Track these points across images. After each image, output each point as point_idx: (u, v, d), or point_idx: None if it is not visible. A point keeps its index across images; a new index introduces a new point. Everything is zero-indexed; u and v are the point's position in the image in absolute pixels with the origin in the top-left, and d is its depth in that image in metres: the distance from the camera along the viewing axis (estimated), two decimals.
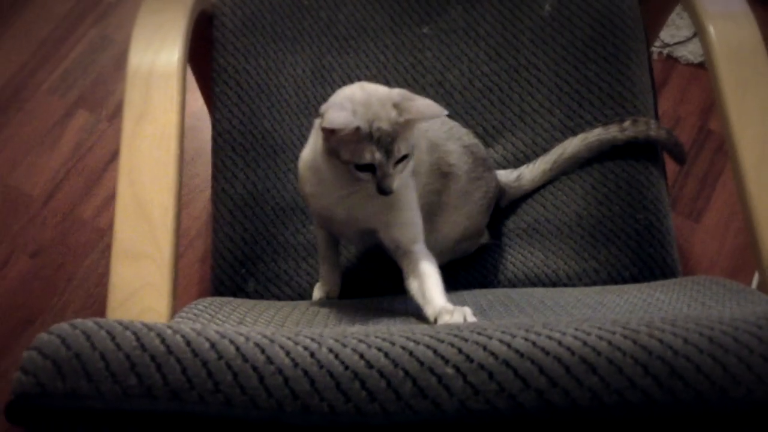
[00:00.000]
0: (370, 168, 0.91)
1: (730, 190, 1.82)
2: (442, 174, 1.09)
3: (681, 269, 1.21)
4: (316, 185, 1.01)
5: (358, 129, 0.88)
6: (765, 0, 1.91)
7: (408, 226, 1.01)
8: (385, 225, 1.01)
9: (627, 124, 1.22)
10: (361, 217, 1.01)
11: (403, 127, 0.89)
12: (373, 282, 1.21)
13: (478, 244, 1.22)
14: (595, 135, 1.23)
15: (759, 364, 0.54)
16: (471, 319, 0.90)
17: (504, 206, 1.26)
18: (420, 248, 1.01)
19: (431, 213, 1.10)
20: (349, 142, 0.89)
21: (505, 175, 1.24)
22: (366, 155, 0.89)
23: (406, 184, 0.98)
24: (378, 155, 0.89)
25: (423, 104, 0.90)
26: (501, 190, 1.22)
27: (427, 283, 0.97)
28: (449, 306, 0.92)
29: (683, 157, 1.25)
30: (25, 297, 1.75)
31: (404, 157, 0.91)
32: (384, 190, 0.91)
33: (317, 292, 1.16)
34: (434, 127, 1.10)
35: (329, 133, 0.89)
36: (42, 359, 0.56)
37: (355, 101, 0.90)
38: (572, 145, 1.24)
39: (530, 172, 1.25)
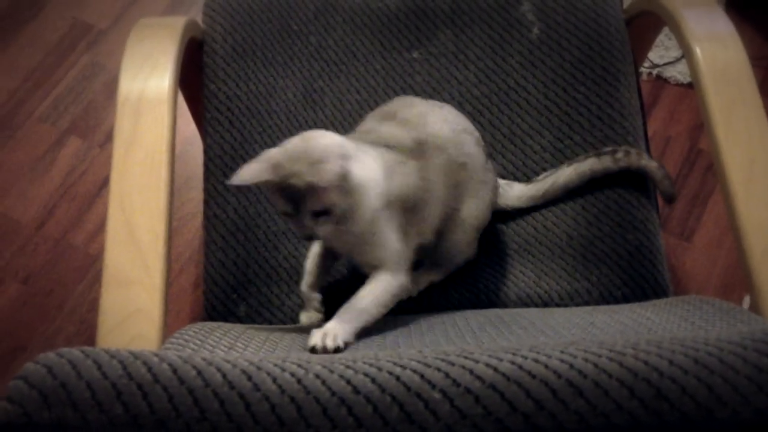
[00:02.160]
0: (291, 216, 0.96)
1: (720, 209, 1.83)
2: (460, 165, 1.10)
3: (672, 289, 1.21)
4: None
5: (268, 182, 0.93)
6: (751, 20, 1.93)
7: (374, 256, 1.04)
8: (355, 255, 1.06)
9: (620, 155, 1.23)
10: (336, 247, 1.08)
11: (312, 187, 0.91)
12: None
13: (473, 252, 1.22)
14: (587, 165, 1.23)
15: (744, 385, 0.54)
16: (331, 343, 0.93)
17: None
18: (379, 272, 1.04)
19: (454, 207, 1.12)
20: (270, 191, 0.95)
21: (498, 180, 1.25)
22: (279, 204, 0.95)
23: (370, 221, 1.00)
24: (287, 208, 0.94)
25: (324, 169, 0.91)
26: None
27: (351, 300, 1.01)
28: (320, 329, 0.95)
29: (672, 194, 1.25)
30: (16, 324, 1.74)
31: (325, 211, 0.94)
32: (302, 237, 0.97)
33: (303, 318, 1.17)
34: (450, 119, 1.13)
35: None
36: (28, 388, 0.56)
37: (286, 153, 0.94)
38: (564, 175, 1.24)
39: (518, 190, 1.26)
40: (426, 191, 1.07)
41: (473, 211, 1.14)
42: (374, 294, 1.02)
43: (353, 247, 1.04)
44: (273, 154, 0.94)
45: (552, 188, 1.25)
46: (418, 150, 1.07)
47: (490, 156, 1.29)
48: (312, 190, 0.91)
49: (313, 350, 0.92)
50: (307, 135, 0.98)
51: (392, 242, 1.04)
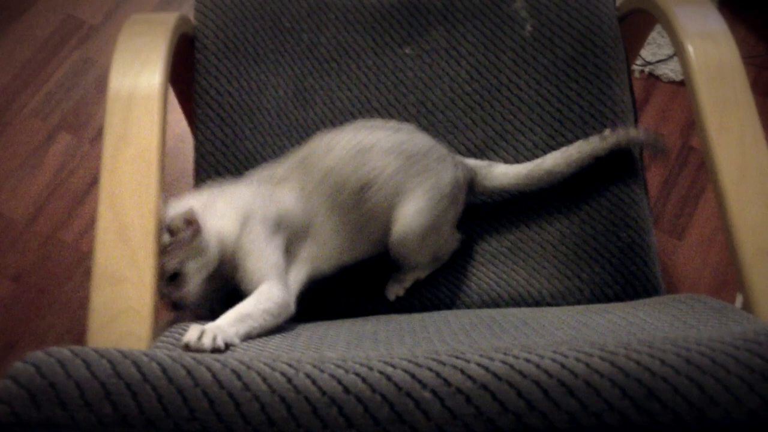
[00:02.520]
0: None
1: (712, 207, 1.83)
2: (356, 190, 1.12)
3: (664, 286, 1.21)
4: None
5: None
6: (744, 19, 1.93)
7: (252, 275, 1.06)
8: (240, 281, 1.08)
9: (607, 132, 1.23)
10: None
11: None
12: (358, 303, 1.21)
13: (455, 244, 1.22)
14: (575, 148, 1.23)
15: (736, 385, 0.54)
16: (208, 341, 0.90)
17: (477, 200, 1.26)
18: (263, 285, 1.05)
19: (365, 226, 1.14)
20: None
21: (475, 161, 1.25)
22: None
23: (245, 235, 1.07)
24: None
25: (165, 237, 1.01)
26: (471, 179, 1.22)
27: (238, 305, 1.01)
28: (199, 326, 0.93)
29: (663, 148, 1.26)
30: (6, 321, 1.73)
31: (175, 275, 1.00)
32: (172, 307, 1.03)
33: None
34: (338, 154, 1.13)
35: None
36: (17, 388, 0.56)
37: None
38: (552, 158, 1.23)
39: (505, 167, 1.25)
40: (310, 216, 1.12)
41: (410, 220, 1.13)
42: (258, 300, 1.02)
43: (238, 275, 1.07)
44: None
45: (537, 170, 1.23)
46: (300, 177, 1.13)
47: (481, 153, 1.29)
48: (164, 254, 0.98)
49: (186, 347, 0.88)
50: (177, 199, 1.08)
51: (267, 256, 1.07)
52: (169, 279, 0.99)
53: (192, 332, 0.89)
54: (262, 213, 1.08)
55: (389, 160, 1.13)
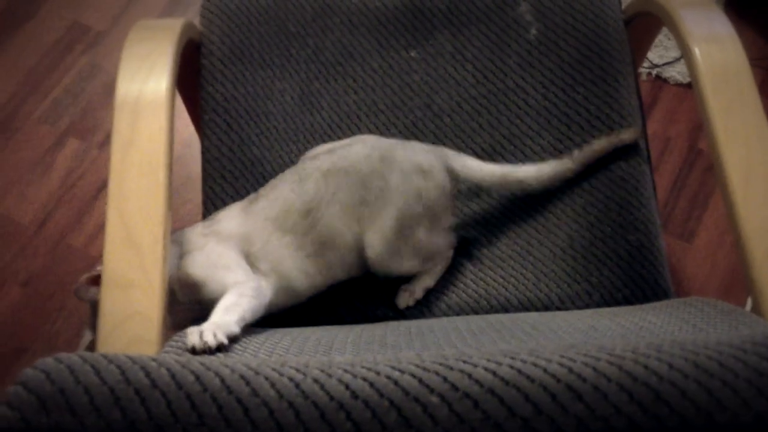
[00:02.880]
0: None
1: (721, 209, 1.83)
2: (302, 214, 1.12)
3: (673, 290, 1.21)
4: None
5: None
6: (750, 21, 1.93)
7: (209, 288, 1.06)
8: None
9: (575, 153, 1.23)
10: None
11: None
12: (368, 309, 1.21)
13: (448, 242, 1.22)
14: (549, 167, 1.23)
15: (744, 389, 0.54)
16: (211, 339, 0.90)
17: (485, 204, 1.27)
18: (229, 292, 1.04)
19: (328, 250, 1.13)
20: None
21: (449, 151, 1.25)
22: None
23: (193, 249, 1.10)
24: None
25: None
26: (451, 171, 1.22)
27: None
28: (196, 327, 0.93)
29: (634, 136, 1.27)
30: (16, 326, 1.74)
31: None
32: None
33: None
34: (286, 180, 1.16)
35: None
36: (26, 394, 0.56)
37: None
38: (524, 171, 1.23)
39: (478, 163, 1.24)
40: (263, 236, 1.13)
41: (376, 244, 1.14)
42: (231, 292, 1.02)
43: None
44: None
45: (510, 176, 1.23)
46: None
47: (489, 156, 1.29)
48: None
49: (193, 351, 0.88)
50: None
51: (209, 266, 1.08)
52: None
53: (192, 336, 0.89)
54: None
55: (329, 182, 1.13)
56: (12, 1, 2.22)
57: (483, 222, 1.26)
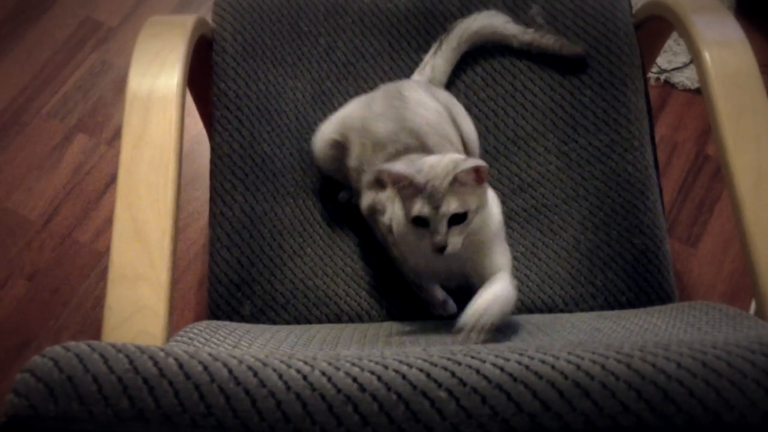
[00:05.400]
0: (425, 224, 0.98)
1: (727, 215, 1.82)
2: None
3: (678, 294, 1.21)
4: (410, 250, 1.10)
5: (412, 182, 0.97)
6: (760, 26, 1.93)
7: (491, 264, 1.07)
8: (473, 269, 1.07)
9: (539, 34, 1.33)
10: (455, 267, 1.08)
11: (453, 184, 0.95)
12: (372, 308, 1.21)
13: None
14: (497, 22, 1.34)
15: (752, 389, 0.54)
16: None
17: None
18: (499, 275, 1.05)
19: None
20: (407, 197, 0.99)
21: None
22: (416, 207, 0.97)
23: (492, 234, 1.06)
24: (426, 209, 0.96)
25: (470, 161, 0.97)
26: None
27: (480, 293, 1.00)
28: (467, 325, 0.94)
29: (580, 52, 1.32)
30: (21, 320, 1.74)
31: (460, 217, 0.97)
32: (435, 247, 0.97)
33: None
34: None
35: (392, 182, 1.01)
36: (35, 382, 0.56)
37: (428, 162, 1.00)
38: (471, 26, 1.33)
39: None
40: None
41: None
42: (504, 286, 1.02)
43: (472, 260, 1.06)
44: (417, 162, 1.00)
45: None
46: None
47: (493, 158, 1.29)
48: (453, 188, 0.95)
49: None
50: (446, 154, 1.03)
51: (507, 251, 1.10)
52: (451, 218, 0.97)
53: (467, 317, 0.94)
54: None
55: None
56: None
57: None
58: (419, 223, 0.98)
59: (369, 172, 1.15)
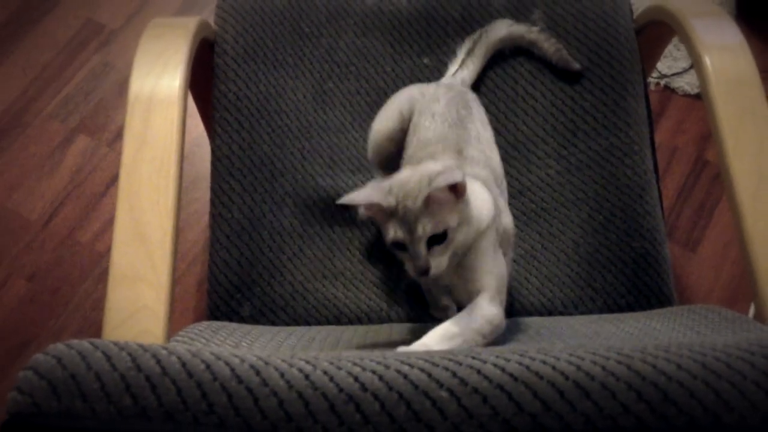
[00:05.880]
0: (403, 247, 0.91)
1: (726, 220, 1.83)
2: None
3: (677, 298, 1.21)
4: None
5: (381, 206, 0.90)
6: (760, 31, 1.93)
7: (473, 281, 0.97)
8: (455, 286, 1.00)
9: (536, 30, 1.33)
10: (442, 283, 1.02)
11: (427, 203, 0.88)
12: (372, 311, 1.21)
13: None
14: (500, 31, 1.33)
15: (752, 390, 0.54)
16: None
17: None
18: (478, 299, 0.96)
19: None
20: (382, 220, 0.91)
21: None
22: (390, 232, 0.90)
23: (477, 243, 0.96)
24: (400, 233, 0.89)
25: (443, 177, 0.88)
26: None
27: (447, 322, 0.93)
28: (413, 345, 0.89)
29: (574, 64, 1.33)
30: (21, 320, 1.74)
31: (440, 237, 0.89)
32: (417, 271, 0.90)
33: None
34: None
35: (366, 208, 0.93)
36: (38, 379, 0.56)
37: (397, 180, 0.92)
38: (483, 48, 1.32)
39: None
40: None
41: None
42: (471, 318, 0.93)
43: (453, 275, 0.98)
44: (384, 183, 0.92)
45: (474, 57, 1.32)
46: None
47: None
48: (427, 206, 0.88)
49: None
50: (421, 166, 0.96)
51: (494, 266, 0.99)
52: (430, 239, 0.89)
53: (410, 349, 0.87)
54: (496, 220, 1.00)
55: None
56: None
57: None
58: (398, 247, 0.91)
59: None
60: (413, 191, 0.88)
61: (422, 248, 0.89)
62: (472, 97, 1.21)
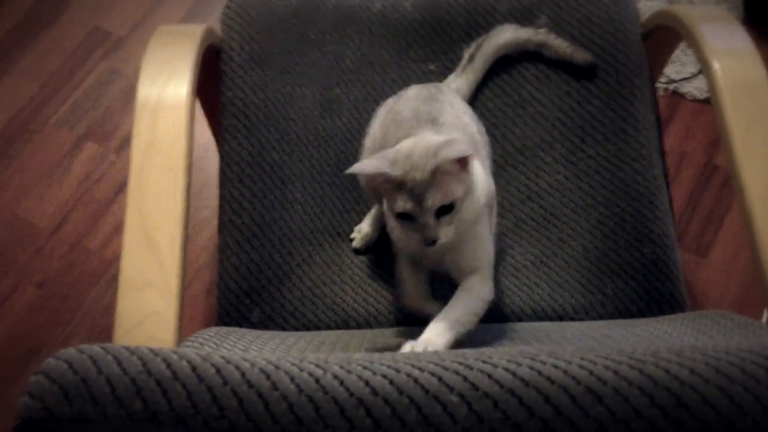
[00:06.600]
0: (411, 218, 0.92)
1: (736, 225, 1.82)
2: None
3: (689, 303, 1.21)
4: (403, 241, 1.03)
5: (389, 177, 0.90)
6: None
7: (471, 258, 1.01)
8: (451, 260, 1.02)
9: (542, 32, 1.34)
10: (441, 257, 1.02)
11: (435, 174, 0.89)
12: (380, 314, 1.21)
13: None
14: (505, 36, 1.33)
15: (766, 395, 0.53)
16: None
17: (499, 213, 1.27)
18: (474, 278, 1.00)
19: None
20: (388, 192, 0.92)
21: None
22: (399, 204, 0.91)
23: (475, 219, 0.98)
24: (409, 204, 0.90)
25: (452, 149, 0.89)
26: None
27: (441, 313, 0.96)
28: (412, 342, 0.90)
29: (588, 59, 1.33)
30: (31, 327, 1.75)
31: (447, 207, 0.91)
32: (426, 242, 0.91)
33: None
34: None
35: (371, 180, 0.93)
36: (49, 383, 0.56)
37: (401, 152, 0.92)
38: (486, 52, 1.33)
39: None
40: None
41: None
42: (468, 301, 0.97)
43: (452, 250, 1.00)
44: (390, 152, 0.93)
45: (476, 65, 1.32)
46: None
47: (501, 168, 1.30)
48: (436, 178, 0.89)
49: None
50: (420, 136, 0.97)
51: (487, 244, 1.02)
52: (438, 210, 0.90)
53: (405, 348, 0.89)
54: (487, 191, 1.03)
55: None
56: (36, 6, 2.24)
57: (497, 230, 1.26)
58: (405, 217, 0.92)
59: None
60: (420, 163, 0.89)
61: (431, 219, 0.90)
62: (445, 84, 1.24)
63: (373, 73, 1.37)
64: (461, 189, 0.92)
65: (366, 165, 0.93)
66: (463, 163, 0.91)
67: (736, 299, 1.74)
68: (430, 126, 1.04)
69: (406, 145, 0.94)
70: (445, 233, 0.92)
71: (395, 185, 0.90)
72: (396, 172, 0.90)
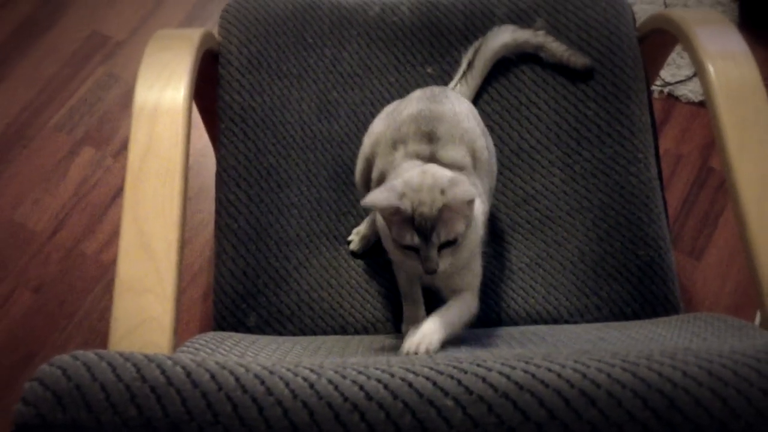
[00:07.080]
0: (414, 248, 0.95)
1: (731, 228, 1.82)
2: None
3: (683, 306, 1.21)
4: (399, 257, 1.03)
5: (398, 210, 0.93)
6: (764, 39, 1.93)
7: (463, 281, 1.06)
8: (446, 282, 1.06)
9: (540, 34, 1.34)
10: (436, 277, 1.05)
11: (443, 212, 0.92)
12: (377, 320, 1.21)
13: None
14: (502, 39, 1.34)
15: (758, 398, 0.54)
16: (421, 348, 0.92)
17: (494, 216, 1.27)
18: (465, 294, 1.05)
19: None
20: (395, 223, 0.95)
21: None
22: (406, 237, 0.94)
23: (473, 249, 1.03)
24: (416, 239, 0.93)
25: (460, 190, 0.93)
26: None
27: (437, 312, 1.00)
28: (415, 336, 0.94)
29: (586, 63, 1.33)
30: (27, 332, 1.74)
31: (451, 242, 0.94)
32: (427, 270, 0.95)
33: (404, 329, 1.17)
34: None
35: (380, 210, 0.97)
36: (43, 390, 0.56)
37: (409, 185, 0.94)
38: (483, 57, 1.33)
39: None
40: None
41: None
42: (461, 311, 1.02)
43: (449, 275, 1.03)
44: (398, 184, 0.95)
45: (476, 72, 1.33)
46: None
47: (498, 171, 1.30)
48: (443, 215, 0.92)
49: (407, 354, 0.92)
50: (426, 167, 0.99)
51: (479, 266, 1.08)
52: (444, 244, 0.94)
53: (405, 344, 0.93)
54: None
55: None
56: (34, 11, 2.25)
57: (492, 234, 1.26)
58: (409, 248, 0.95)
59: (375, 167, 1.13)
60: (427, 199, 0.92)
61: (434, 252, 0.94)
62: (449, 88, 1.24)
63: (371, 77, 1.38)
64: (464, 225, 0.95)
65: (378, 198, 0.94)
66: (468, 202, 0.95)
67: (731, 301, 1.74)
68: (426, 142, 1.06)
69: (413, 177, 0.96)
70: (444, 264, 0.95)
71: (402, 218, 0.94)
72: (405, 205, 0.93)
